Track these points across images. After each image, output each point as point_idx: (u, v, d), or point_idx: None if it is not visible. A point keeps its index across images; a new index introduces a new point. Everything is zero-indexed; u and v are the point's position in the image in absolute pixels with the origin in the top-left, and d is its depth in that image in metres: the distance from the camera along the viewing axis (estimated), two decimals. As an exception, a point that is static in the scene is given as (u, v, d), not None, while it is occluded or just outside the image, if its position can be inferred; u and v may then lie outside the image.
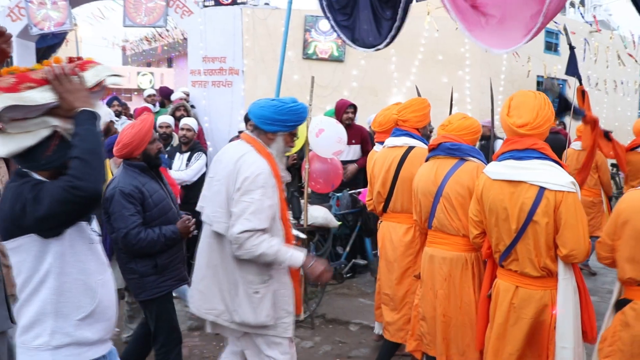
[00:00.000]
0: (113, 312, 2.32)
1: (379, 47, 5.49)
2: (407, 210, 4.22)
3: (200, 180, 6.23)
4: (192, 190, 5.79)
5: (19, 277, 2.16)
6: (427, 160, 3.88)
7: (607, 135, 4.91)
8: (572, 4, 18.14)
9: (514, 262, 3.11)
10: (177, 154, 6.20)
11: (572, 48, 4.86)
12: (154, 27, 10.35)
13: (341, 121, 6.44)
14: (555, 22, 11.72)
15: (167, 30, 20.10)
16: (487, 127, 7.13)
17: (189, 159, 6.11)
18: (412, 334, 4.00)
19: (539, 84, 12.17)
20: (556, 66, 12.15)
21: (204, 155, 6.27)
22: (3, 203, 2.12)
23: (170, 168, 6.03)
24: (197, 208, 3.36)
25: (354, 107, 6.91)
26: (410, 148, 4.24)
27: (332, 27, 5.90)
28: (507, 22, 4.44)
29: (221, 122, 9.09)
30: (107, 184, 3.64)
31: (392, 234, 4.33)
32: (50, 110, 2.12)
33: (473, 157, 3.64)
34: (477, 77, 10.54)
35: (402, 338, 4.24)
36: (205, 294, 3.20)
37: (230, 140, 7.36)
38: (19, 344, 2.19)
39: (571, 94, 12.55)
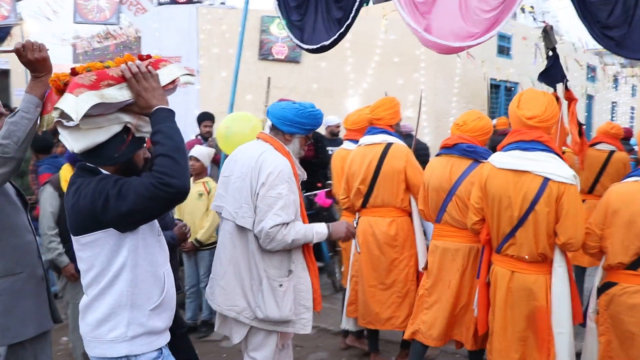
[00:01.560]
0: (175, 301, 2.43)
1: (325, 43, 5.44)
2: (388, 204, 4.43)
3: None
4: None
5: (89, 271, 2.21)
6: (437, 155, 4.11)
7: (580, 126, 5.09)
8: (523, 10, 18.51)
9: (512, 247, 3.33)
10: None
11: (555, 56, 4.88)
12: (106, 24, 10.10)
13: None
14: (511, 25, 11.97)
15: (121, 28, 19.67)
16: (405, 131, 7.36)
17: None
18: (413, 322, 4.17)
19: (492, 86, 12.39)
20: (508, 70, 12.41)
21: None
22: (82, 198, 2.12)
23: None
24: (212, 207, 3.41)
25: None
26: (389, 144, 4.42)
27: (284, 25, 5.86)
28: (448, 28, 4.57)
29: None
30: None
31: (374, 228, 4.47)
32: (123, 107, 2.18)
33: (487, 159, 3.74)
34: (432, 79, 10.67)
35: (393, 325, 4.45)
36: (227, 290, 3.23)
37: (188, 143, 7.24)
38: (91, 339, 2.24)
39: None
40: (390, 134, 4.51)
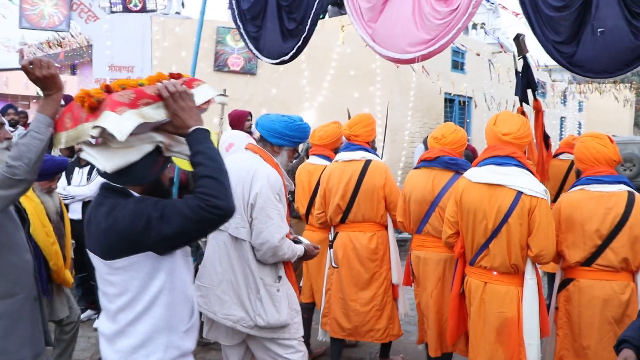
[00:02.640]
0: (199, 321, 2.39)
1: (285, 58, 5.42)
2: (368, 219, 4.50)
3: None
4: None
5: (122, 296, 2.11)
6: (417, 168, 4.25)
7: (546, 139, 5.24)
8: (475, 26, 18.94)
9: (486, 258, 3.47)
10: (76, 168, 5.81)
11: (517, 73, 4.96)
12: (55, 31, 9.79)
13: (243, 130, 6.35)
14: (462, 45, 12.18)
15: (72, 36, 19.16)
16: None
17: (89, 173, 5.75)
18: (420, 328, 4.36)
19: (446, 101, 12.56)
20: (462, 84, 12.60)
21: (106, 168, 5.92)
22: (120, 221, 2.03)
23: (69, 183, 5.67)
24: None
25: (251, 114, 6.87)
26: (369, 161, 4.49)
27: (241, 36, 5.82)
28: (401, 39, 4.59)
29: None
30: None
31: (354, 242, 4.50)
32: (156, 126, 2.12)
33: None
34: (388, 93, 10.73)
35: (373, 337, 4.54)
36: (223, 299, 3.27)
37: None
38: None
39: (475, 110, 12.92)
40: (368, 150, 4.57)
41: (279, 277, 3.25)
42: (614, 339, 3.10)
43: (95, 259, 2.17)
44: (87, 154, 2.12)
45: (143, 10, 9.42)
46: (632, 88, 18.35)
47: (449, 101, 12.66)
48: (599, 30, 3.62)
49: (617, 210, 3.38)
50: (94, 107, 1.99)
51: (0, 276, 2.59)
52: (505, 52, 12.80)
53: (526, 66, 4.74)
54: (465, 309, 3.70)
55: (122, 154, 2.06)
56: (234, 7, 5.87)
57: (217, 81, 10.14)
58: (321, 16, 5.84)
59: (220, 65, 10.73)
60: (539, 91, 17.37)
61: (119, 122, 1.92)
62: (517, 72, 4.97)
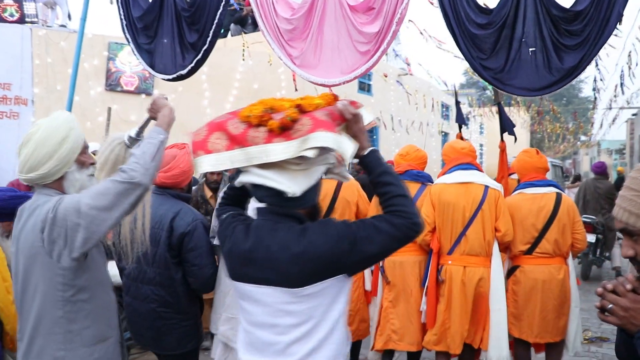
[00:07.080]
0: None
1: (182, 72, 4.96)
2: None
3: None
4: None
5: (302, 325, 2.00)
6: None
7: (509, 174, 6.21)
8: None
9: (464, 244, 4.21)
10: None
11: (457, 103, 6.15)
12: None
13: None
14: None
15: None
16: None
17: None
18: (381, 333, 4.59)
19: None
20: (369, 106, 12.42)
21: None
22: (318, 244, 1.96)
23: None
24: None
25: None
26: None
27: (132, 49, 5.22)
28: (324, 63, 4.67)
29: (4, 160, 7.74)
30: (172, 217, 3.20)
31: None
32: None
33: (431, 182, 4.64)
34: (294, 115, 10.32)
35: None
36: None
37: (11, 183, 6.10)
38: None
39: (383, 131, 12.81)
40: None
41: None
42: (553, 310, 4.26)
43: (264, 290, 2.02)
44: (261, 177, 2.02)
45: (21, 21, 8.45)
46: (530, 110, 19.10)
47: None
48: (530, 49, 3.70)
49: (548, 207, 4.33)
50: (287, 127, 1.94)
51: (95, 317, 2.37)
52: (411, 74, 12.79)
53: (501, 111, 5.54)
54: (438, 294, 4.30)
55: (304, 175, 2.02)
56: (122, 16, 5.23)
57: (109, 101, 9.29)
58: (222, 32, 5.36)
59: (112, 85, 9.85)
60: (443, 114, 17.62)
61: (343, 143, 1.93)
62: (457, 103, 6.25)
